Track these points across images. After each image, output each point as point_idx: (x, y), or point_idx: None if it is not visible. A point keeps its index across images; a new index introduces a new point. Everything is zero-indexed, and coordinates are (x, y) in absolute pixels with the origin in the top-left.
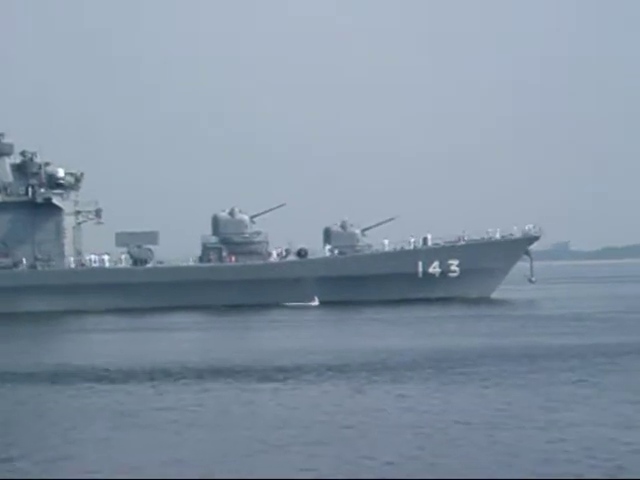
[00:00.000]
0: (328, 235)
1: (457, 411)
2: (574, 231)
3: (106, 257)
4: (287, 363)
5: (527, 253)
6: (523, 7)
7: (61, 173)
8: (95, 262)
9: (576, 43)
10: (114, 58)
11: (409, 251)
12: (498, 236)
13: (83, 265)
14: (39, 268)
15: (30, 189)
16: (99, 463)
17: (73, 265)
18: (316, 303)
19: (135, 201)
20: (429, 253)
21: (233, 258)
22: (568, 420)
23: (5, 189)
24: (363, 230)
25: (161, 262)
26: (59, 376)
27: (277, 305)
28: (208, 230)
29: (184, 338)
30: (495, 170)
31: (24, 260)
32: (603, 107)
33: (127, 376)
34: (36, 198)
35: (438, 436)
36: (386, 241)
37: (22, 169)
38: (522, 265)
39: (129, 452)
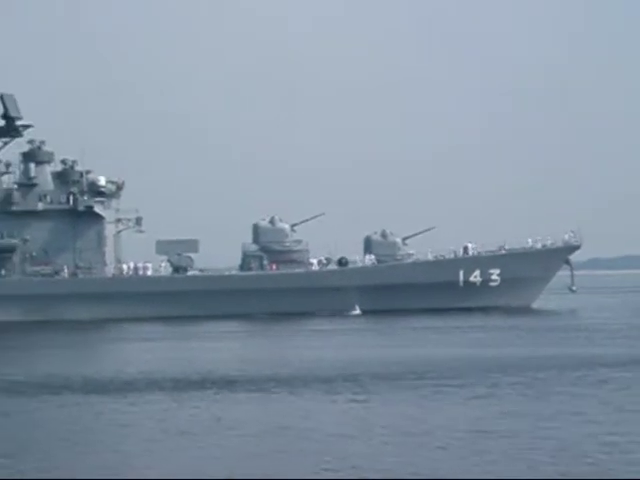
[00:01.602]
0: (369, 244)
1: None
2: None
3: (149, 265)
4: (332, 373)
5: (568, 262)
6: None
7: (102, 181)
8: (138, 270)
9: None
10: (155, 69)
11: (450, 260)
12: (539, 245)
13: (123, 273)
14: (80, 276)
15: (71, 197)
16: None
17: (113, 273)
18: (358, 312)
19: (175, 209)
20: (470, 262)
21: (274, 266)
22: None
23: (46, 197)
24: (404, 239)
25: (202, 270)
26: (110, 385)
27: (318, 314)
28: (248, 238)
29: (225, 347)
30: (530, 179)
31: (65, 268)
32: (628, 108)
33: (172, 385)
34: (77, 206)
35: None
36: (429, 252)
37: (63, 177)
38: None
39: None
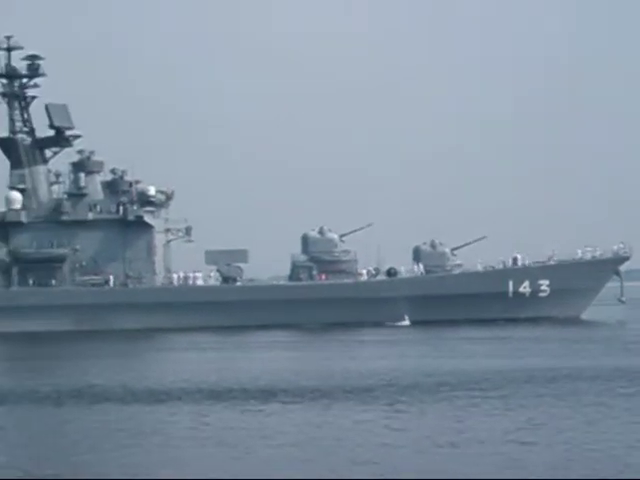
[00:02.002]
0: (418, 254)
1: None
2: None
3: (199, 275)
4: (379, 383)
5: (617, 273)
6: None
7: (152, 191)
8: (188, 280)
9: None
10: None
11: (500, 270)
12: (588, 256)
13: (173, 283)
14: (130, 286)
15: (121, 207)
16: None
17: (163, 283)
18: (407, 323)
19: (225, 219)
20: (520, 272)
21: (323, 276)
22: None
23: (96, 207)
24: (453, 249)
25: (252, 280)
26: (154, 395)
27: (367, 324)
28: (297, 248)
29: (272, 357)
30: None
31: (114, 278)
32: None
33: (217, 395)
34: (127, 216)
35: None
36: (478, 263)
37: (112, 187)
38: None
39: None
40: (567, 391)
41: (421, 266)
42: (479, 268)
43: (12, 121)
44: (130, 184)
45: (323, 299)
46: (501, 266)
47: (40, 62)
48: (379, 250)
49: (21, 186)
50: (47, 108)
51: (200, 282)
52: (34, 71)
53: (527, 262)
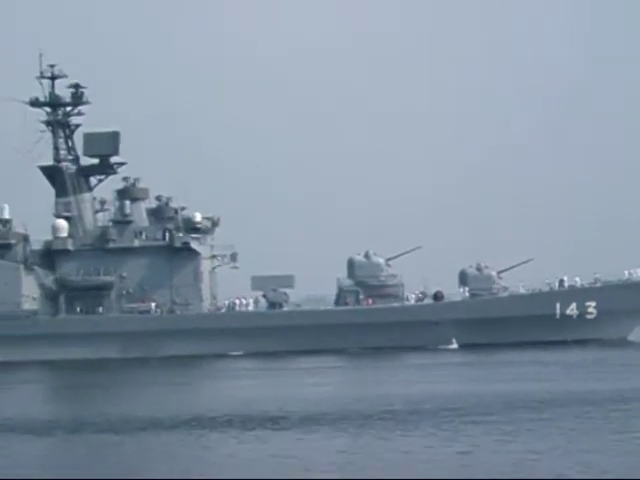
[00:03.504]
0: (464, 277)
1: None
2: None
3: (250, 301)
4: (429, 407)
5: None
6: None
7: (198, 217)
8: (238, 306)
9: None
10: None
11: (547, 293)
12: (635, 277)
13: (220, 309)
14: (177, 312)
15: (167, 234)
16: None
17: (209, 309)
18: (454, 346)
19: (270, 244)
20: (567, 294)
21: (370, 301)
22: None
23: (141, 234)
24: (499, 272)
25: (299, 305)
26: (202, 422)
27: (414, 348)
28: (343, 273)
29: (322, 382)
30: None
31: (161, 304)
32: None
33: (261, 422)
34: (174, 242)
35: None
36: (521, 285)
37: (158, 214)
38: None
39: None
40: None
41: (466, 289)
42: (522, 290)
43: (57, 149)
44: (176, 211)
45: (369, 323)
46: (547, 289)
47: (83, 90)
48: (425, 274)
49: (67, 214)
50: (89, 136)
51: (251, 308)
52: (78, 99)
53: (573, 284)
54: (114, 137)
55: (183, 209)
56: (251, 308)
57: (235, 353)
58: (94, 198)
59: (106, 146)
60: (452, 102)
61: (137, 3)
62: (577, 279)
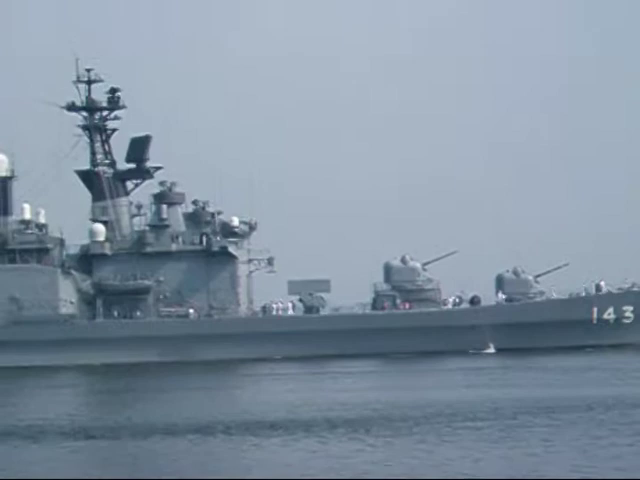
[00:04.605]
0: (501, 282)
1: None
2: None
3: (289, 305)
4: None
5: None
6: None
7: (236, 222)
8: (276, 310)
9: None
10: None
11: (584, 297)
12: None
13: (258, 314)
14: (215, 317)
15: (204, 238)
16: None
17: (246, 313)
18: (492, 350)
19: (306, 249)
20: (604, 299)
21: (407, 305)
22: None
23: (178, 238)
24: (536, 276)
25: (337, 309)
26: (238, 428)
27: (451, 352)
28: (379, 277)
29: (361, 387)
30: None
31: (199, 309)
32: None
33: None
34: (211, 247)
35: None
36: (553, 290)
37: (194, 218)
38: None
39: None
40: None
41: (503, 294)
42: (554, 295)
43: (93, 154)
44: (212, 215)
45: (406, 328)
46: (584, 293)
47: (120, 94)
48: (462, 278)
49: (104, 218)
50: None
51: (291, 312)
52: (114, 103)
53: (610, 288)
54: (145, 141)
55: (219, 213)
56: (290, 312)
57: (272, 357)
58: (130, 202)
59: (141, 151)
60: (485, 103)
61: (178, 10)
62: (602, 282)
